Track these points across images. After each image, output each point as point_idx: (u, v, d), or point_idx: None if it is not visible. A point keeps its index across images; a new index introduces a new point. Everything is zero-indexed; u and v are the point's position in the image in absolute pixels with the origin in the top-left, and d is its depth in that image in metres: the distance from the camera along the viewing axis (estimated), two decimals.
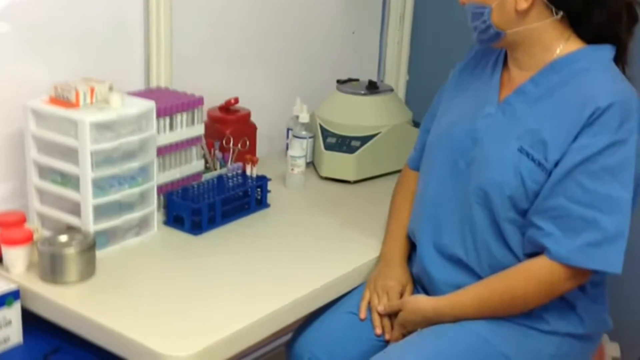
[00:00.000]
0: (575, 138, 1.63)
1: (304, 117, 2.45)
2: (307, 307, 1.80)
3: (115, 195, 1.84)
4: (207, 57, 2.41)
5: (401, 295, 1.86)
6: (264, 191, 2.17)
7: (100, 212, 1.82)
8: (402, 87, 3.03)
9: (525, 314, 1.73)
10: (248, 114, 2.38)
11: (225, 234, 2.01)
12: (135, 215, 1.90)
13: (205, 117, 2.24)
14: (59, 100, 1.82)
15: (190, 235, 1.98)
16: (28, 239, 1.74)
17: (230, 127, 2.30)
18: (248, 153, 2.25)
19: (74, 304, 1.64)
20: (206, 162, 2.20)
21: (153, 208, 1.95)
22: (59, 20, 2.00)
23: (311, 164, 2.50)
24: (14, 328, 1.67)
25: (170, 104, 2.02)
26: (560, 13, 1.68)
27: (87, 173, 1.77)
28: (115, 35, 2.15)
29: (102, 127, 1.77)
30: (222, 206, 2.04)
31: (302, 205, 2.25)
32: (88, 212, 1.80)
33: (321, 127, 2.47)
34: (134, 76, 2.22)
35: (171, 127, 2.03)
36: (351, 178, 2.42)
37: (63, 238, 1.74)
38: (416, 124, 2.50)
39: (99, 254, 1.78)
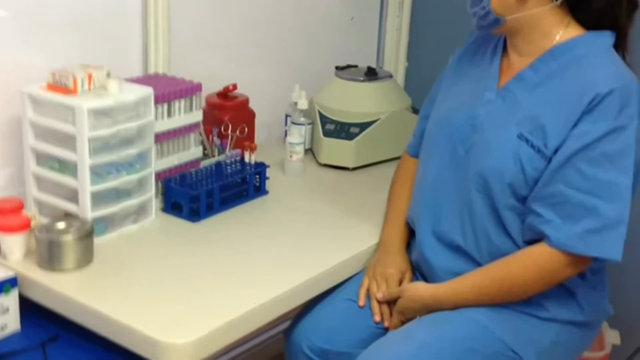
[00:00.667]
0: (575, 124, 1.62)
1: (303, 104, 2.44)
2: (306, 295, 1.79)
3: (112, 182, 1.83)
4: (206, 44, 2.40)
5: (400, 282, 1.86)
6: (263, 178, 2.17)
7: (98, 199, 1.81)
8: (401, 73, 3.02)
9: (524, 302, 1.72)
10: (246, 101, 2.37)
11: (224, 220, 2.01)
12: (133, 202, 1.89)
13: (203, 104, 2.23)
14: (57, 86, 1.81)
15: (188, 222, 1.97)
16: (25, 226, 1.73)
17: (228, 113, 2.29)
18: (246, 140, 2.24)
19: (72, 291, 1.64)
20: (204, 148, 2.19)
21: (151, 195, 1.94)
22: (57, 6, 1.98)
23: (310, 151, 2.49)
24: (11, 315, 1.67)
25: (169, 90, 2.00)
26: None
27: (84, 160, 1.77)
28: (113, 21, 2.14)
29: (99, 114, 1.76)
30: (220, 193, 2.03)
31: (300, 192, 2.25)
32: (86, 199, 1.79)
33: (320, 113, 2.46)
34: (132, 62, 2.21)
35: (169, 114, 2.02)
36: (350, 165, 2.41)
37: (61, 225, 1.74)
38: (415, 111, 2.49)
39: (97, 241, 1.78)
